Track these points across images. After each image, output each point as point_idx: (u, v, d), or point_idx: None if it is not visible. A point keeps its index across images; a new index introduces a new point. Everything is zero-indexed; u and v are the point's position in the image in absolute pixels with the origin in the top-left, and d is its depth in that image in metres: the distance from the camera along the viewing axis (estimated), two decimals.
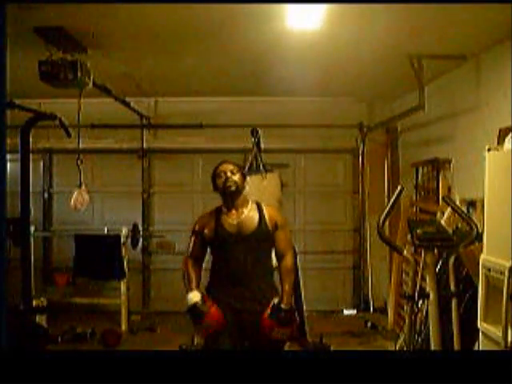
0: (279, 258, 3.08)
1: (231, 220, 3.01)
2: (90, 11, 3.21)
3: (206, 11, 3.22)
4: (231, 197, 3.02)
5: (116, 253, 5.63)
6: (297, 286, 5.24)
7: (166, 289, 6.50)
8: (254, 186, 4.61)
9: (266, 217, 3.03)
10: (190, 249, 3.09)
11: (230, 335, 2.96)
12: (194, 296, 2.96)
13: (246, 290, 2.97)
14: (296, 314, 3.13)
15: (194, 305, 2.93)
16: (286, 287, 2.99)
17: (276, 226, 3.04)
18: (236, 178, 3.01)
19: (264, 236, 3.01)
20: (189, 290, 3.02)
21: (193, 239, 3.09)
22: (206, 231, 3.04)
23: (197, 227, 3.10)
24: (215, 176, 3.06)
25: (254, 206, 3.07)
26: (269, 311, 2.91)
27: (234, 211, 3.03)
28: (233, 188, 2.99)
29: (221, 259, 3.05)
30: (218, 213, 3.08)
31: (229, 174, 3.00)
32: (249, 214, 3.02)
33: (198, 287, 3.03)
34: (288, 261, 3.06)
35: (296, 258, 5.20)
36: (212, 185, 3.10)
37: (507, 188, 2.55)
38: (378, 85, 5.57)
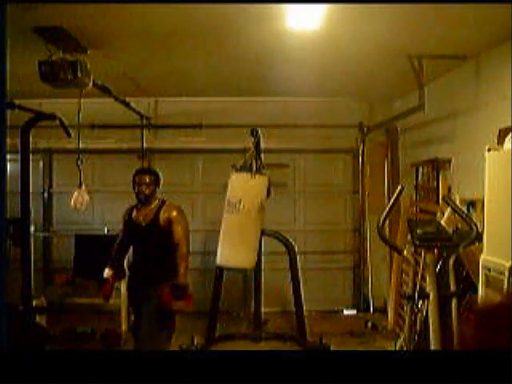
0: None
1: (136, 214, 3.94)
2: (90, 11, 3.21)
3: (206, 11, 3.21)
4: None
5: None
6: (297, 286, 5.25)
7: None
8: (240, 183, 4.59)
9: (160, 214, 3.85)
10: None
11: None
12: (106, 272, 4.03)
13: (143, 268, 3.89)
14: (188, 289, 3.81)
15: (101, 277, 4.01)
16: (182, 270, 3.75)
17: (170, 221, 3.84)
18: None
19: (156, 228, 3.86)
20: (107, 263, 4.05)
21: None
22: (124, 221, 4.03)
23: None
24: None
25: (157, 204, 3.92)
26: (169, 290, 3.66)
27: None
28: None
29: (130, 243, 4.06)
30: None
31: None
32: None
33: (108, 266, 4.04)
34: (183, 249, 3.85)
35: (296, 258, 5.26)
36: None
37: (507, 188, 2.55)
38: (378, 85, 5.57)
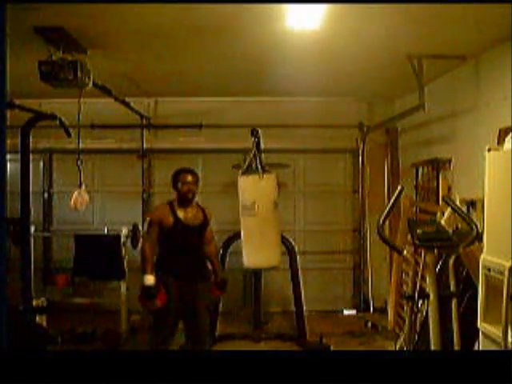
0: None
1: (185, 214, 3.90)
2: (90, 11, 3.22)
3: (206, 11, 3.22)
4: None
5: (116, 253, 5.62)
6: (297, 286, 5.26)
7: None
8: (250, 185, 4.63)
9: (206, 213, 4.01)
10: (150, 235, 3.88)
11: (173, 309, 3.82)
12: (150, 279, 3.72)
13: (186, 267, 3.87)
14: None
15: (149, 287, 3.70)
16: (219, 265, 4.24)
17: (208, 221, 4.03)
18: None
19: (205, 227, 4.01)
20: (145, 269, 3.77)
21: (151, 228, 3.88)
22: (164, 223, 3.84)
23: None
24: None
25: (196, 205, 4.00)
26: (215, 284, 4.11)
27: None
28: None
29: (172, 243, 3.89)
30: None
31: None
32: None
33: (152, 272, 3.77)
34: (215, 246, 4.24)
35: (296, 258, 5.26)
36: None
37: (507, 188, 2.55)
38: (378, 85, 5.58)
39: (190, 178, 3.88)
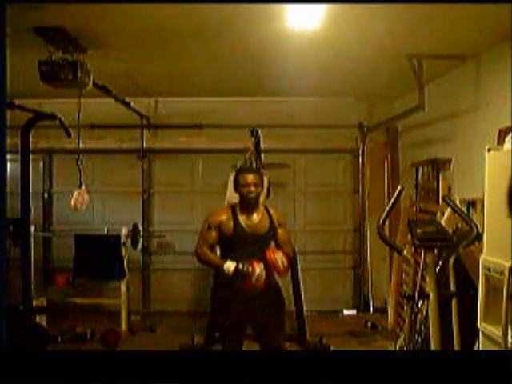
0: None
1: (248, 221, 3.42)
2: (90, 11, 3.21)
3: (206, 11, 3.21)
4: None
5: (116, 253, 5.63)
6: (297, 286, 5.25)
7: (166, 289, 6.51)
8: None
9: (274, 218, 3.49)
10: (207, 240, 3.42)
11: (240, 324, 3.40)
12: (231, 264, 3.24)
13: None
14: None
15: (236, 269, 3.22)
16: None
17: (279, 225, 3.51)
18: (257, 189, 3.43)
19: (273, 235, 3.48)
20: (219, 263, 3.32)
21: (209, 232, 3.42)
22: (223, 228, 3.39)
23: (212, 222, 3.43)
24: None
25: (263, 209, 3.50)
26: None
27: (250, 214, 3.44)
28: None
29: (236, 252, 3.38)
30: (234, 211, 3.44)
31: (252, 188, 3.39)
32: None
33: (223, 260, 3.34)
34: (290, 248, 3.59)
35: (296, 258, 5.25)
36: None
37: (507, 188, 2.55)
38: (378, 85, 5.57)
39: (250, 178, 3.38)
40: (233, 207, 3.45)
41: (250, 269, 3.20)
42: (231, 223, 3.36)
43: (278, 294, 3.55)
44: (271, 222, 3.45)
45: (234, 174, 4.12)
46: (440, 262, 3.53)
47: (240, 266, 3.21)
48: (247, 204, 3.40)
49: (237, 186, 3.43)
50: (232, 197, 4.55)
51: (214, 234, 3.37)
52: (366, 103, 6.46)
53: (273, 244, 3.52)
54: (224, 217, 3.39)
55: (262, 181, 3.50)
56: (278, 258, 3.28)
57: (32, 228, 4.79)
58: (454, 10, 3.16)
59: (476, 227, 3.27)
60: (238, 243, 3.35)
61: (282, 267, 3.29)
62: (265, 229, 3.42)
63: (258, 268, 3.22)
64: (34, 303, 4.46)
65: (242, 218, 3.39)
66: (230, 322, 3.39)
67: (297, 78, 5.13)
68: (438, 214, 4.35)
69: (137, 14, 3.29)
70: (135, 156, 6.46)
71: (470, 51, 4.10)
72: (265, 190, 4.66)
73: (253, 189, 3.36)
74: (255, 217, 3.42)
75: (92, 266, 5.70)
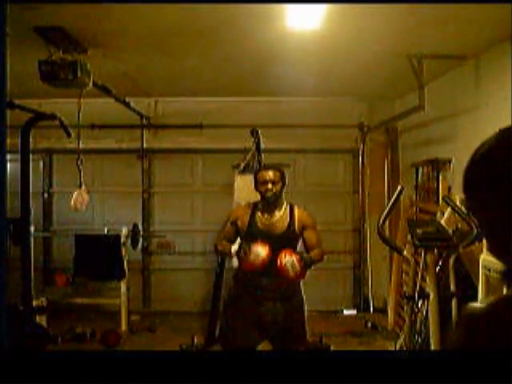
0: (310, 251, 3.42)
1: (265, 219, 3.36)
2: (90, 11, 3.21)
3: (206, 11, 3.22)
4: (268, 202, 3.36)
5: (116, 253, 5.63)
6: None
7: (166, 289, 6.51)
8: (245, 184, 4.64)
9: (295, 219, 3.37)
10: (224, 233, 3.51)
11: (249, 325, 3.31)
12: (237, 247, 3.33)
13: (269, 281, 3.29)
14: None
15: (239, 248, 3.26)
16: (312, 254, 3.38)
17: (304, 227, 3.39)
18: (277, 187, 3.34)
19: (292, 236, 3.37)
20: (228, 251, 3.44)
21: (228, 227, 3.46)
22: (239, 223, 3.38)
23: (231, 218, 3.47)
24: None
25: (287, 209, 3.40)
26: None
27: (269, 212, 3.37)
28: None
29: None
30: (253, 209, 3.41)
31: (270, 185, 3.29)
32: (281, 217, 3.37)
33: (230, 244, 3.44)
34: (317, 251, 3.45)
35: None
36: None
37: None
38: (378, 85, 5.58)
39: (269, 175, 3.29)
40: (255, 204, 3.40)
41: (249, 248, 3.18)
42: (246, 219, 3.34)
43: (298, 300, 3.40)
44: (291, 222, 3.33)
45: (237, 173, 4.08)
46: (440, 262, 3.53)
47: (243, 245, 3.22)
48: (266, 202, 3.32)
49: (256, 184, 3.37)
50: (239, 197, 4.60)
51: (231, 227, 3.39)
52: (366, 103, 6.45)
53: (300, 245, 3.44)
54: (242, 212, 3.40)
55: (283, 177, 3.37)
56: (288, 262, 3.17)
57: (32, 228, 4.79)
58: (454, 9, 3.17)
59: (476, 227, 3.27)
60: (250, 240, 3.25)
61: (291, 273, 3.18)
62: (281, 229, 3.31)
63: (258, 247, 3.17)
64: (34, 303, 4.45)
65: (258, 216, 3.35)
66: (238, 320, 3.34)
67: (297, 78, 5.13)
68: (438, 214, 4.35)
69: (137, 14, 3.29)
70: (135, 156, 6.46)
71: (470, 51, 4.10)
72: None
73: (270, 186, 3.27)
74: (275, 216, 3.33)
75: (92, 265, 5.69)
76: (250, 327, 3.32)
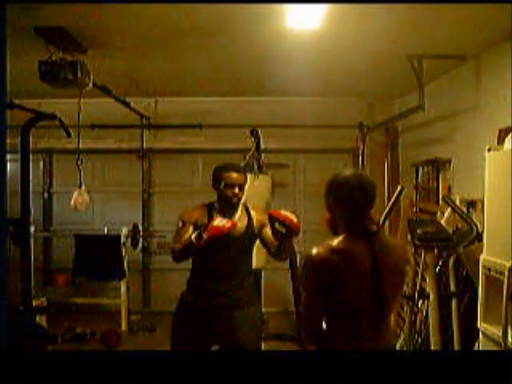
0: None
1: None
2: (90, 11, 3.21)
3: (206, 11, 3.21)
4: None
5: (116, 253, 5.64)
6: (297, 286, 5.25)
7: (166, 289, 6.49)
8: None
9: (254, 220, 3.11)
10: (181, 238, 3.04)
11: (200, 332, 3.08)
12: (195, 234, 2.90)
13: (225, 286, 3.04)
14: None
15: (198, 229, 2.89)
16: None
17: (262, 225, 3.08)
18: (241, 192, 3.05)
19: (252, 237, 3.10)
20: (189, 239, 2.93)
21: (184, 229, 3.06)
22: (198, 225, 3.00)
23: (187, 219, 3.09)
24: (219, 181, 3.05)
25: (244, 209, 3.13)
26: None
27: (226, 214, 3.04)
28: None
29: (208, 256, 3.03)
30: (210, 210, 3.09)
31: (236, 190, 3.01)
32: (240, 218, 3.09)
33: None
34: None
35: (296, 258, 5.25)
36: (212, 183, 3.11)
37: (507, 188, 2.55)
38: (378, 85, 5.57)
39: (238, 179, 3.02)
40: (209, 205, 3.11)
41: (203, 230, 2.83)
42: (205, 221, 2.97)
43: (257, 313, 3.19)
44: (250, 223, 3.10)
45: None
46: (440, 262, 3.54)
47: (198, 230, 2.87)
48: (227, 206, 3.04)
49: (216, 184, 3.04)
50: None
51: (189, 230, 2.99)
52: (366, 103, 6.45)
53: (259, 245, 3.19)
54: (199, 214, 3.06)
55: (246, 180, 3.12)
56: (288, 211, 2.87)
57: (32, 228, 4.79)
58: (453, 9, 3.16)
59: (476, 227, 3.27)
60: (211, 245, 2.89)
61: (295, 219, 2.85)
62: (240, 231, 3.04)
63: (219, 218, 2.88)
64: (34, 303, 4.46)
65: (217, 217, 2.99)
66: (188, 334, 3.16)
67: (297, 78, 5.12)
68: (438, 214, 4.35)
69: (137, 13, 3.29)
70: (135, 156, 6.46)
71: (470, 51, 4.09)
72: (268, 189, 4.67)
73: (237, 191, 3.00)
74: (234, 217, 3.04)
75: (92, 265, 5.70)
76: (201, 337, 3.10)
